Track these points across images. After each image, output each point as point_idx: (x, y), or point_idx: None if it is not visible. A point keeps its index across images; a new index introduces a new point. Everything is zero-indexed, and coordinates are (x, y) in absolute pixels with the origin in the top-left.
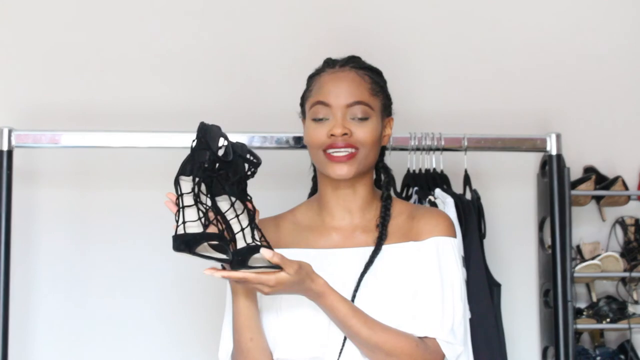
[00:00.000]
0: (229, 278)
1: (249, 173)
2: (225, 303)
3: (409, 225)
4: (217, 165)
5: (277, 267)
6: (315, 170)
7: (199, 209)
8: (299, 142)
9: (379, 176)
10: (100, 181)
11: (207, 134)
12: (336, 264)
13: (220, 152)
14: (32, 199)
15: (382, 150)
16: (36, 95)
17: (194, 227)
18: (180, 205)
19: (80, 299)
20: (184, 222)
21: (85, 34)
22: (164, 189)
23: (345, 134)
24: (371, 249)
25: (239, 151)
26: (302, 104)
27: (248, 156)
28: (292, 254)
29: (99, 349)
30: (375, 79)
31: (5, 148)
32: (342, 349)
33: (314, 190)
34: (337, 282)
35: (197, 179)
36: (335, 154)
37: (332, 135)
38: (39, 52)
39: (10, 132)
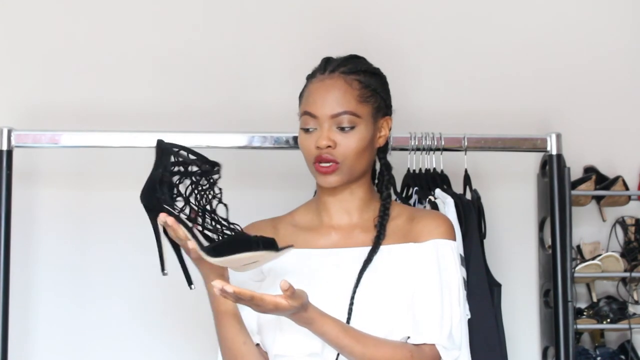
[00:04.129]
0: (239, 295)
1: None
2: None
3: (409, 227)
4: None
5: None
6: None
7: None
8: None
9: (383, 174)
10: (100, 181)
11: (161, 154)
12: (336, 263)
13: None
14: (32, 199)
15: (384, 148)
16: (36, 95)
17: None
18: (189, 222)
19: (80, 299)
20: (203, 230)
21: (85, 34)
22: None
23: (329, 146)
24: (370, 248)
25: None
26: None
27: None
28: (291, 254)
29: (98, 349)
30: (366, 82)
31: (5, 148)
32: None
33: None
34: (337, 281)
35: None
36: (322, 165)
37: (317, 147)
38: (39, 52)
39: (10, 132)
